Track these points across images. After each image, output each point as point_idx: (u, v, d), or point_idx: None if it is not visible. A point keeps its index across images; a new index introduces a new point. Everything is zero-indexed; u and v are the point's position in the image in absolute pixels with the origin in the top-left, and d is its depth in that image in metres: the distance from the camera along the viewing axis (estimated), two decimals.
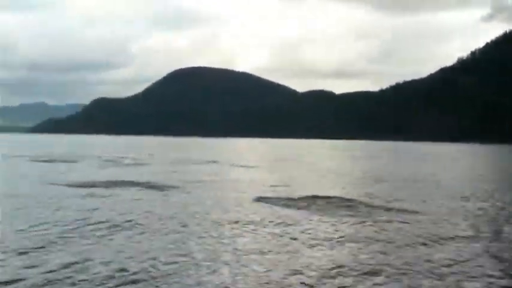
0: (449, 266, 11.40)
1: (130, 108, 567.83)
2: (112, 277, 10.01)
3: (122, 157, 59.77)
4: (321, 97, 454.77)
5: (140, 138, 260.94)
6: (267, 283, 10.00)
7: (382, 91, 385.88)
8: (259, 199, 22.18)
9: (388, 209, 19.81)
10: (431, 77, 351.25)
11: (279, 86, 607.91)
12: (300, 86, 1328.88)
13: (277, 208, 19.77)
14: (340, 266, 11.16)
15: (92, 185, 26.71)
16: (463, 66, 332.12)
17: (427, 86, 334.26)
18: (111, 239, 13.51)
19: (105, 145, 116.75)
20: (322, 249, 12.81)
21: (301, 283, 10.10)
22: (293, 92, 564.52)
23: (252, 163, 53.87)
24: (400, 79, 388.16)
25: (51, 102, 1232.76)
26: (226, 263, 11.27)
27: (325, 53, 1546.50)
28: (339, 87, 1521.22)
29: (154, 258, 11.40)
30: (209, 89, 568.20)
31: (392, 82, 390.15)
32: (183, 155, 73.45)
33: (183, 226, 15.54)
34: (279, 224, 16.20)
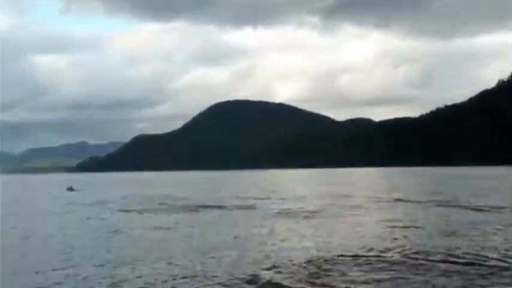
0: None
1: (170, 144, 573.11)
2: None
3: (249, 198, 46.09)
4: (360, 125, 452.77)
5: (189, 173, 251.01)
6: None
7: (422, 116, 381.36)
8: None
9: None
10: (472, 101, 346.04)
11: (317, 115, 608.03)
12: (339, 115, 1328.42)
13: None
14: None
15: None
16: (503, 89, 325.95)
17: (468, 110, 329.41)
18: None
19: (183, 184, 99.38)
20: None
21: None
22: (332, 121, 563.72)
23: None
24: (441, 104, 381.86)
25: (92, 141, 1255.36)
26: None
27: (363, 81, 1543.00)
28: (378, 114, 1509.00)
29: None
30: (248, 121, 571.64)
31: (433, 107, 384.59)
32: (302, 190, 61.96)
33: None
34: None
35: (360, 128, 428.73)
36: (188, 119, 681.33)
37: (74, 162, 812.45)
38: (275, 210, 33.27)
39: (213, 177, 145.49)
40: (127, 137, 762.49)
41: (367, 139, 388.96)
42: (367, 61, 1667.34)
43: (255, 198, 45.17)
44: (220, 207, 37.04)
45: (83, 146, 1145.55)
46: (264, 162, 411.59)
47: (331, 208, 34.27)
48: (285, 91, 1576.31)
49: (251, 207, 36.22)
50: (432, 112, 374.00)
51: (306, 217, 28.95)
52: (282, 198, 44.95)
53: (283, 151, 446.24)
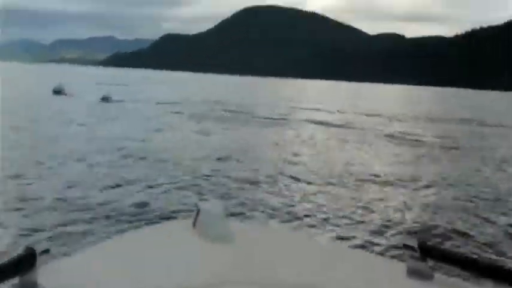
0: None
1: (196, 45, 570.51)
2: None
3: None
4: (392, 40, 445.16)
5: (220, 77, 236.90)
6: None
7: (456, 36, 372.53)
8: None
9: None
10: (508, 24, 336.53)
11: (348, 27, 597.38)
12: (371, 28, 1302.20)
13: None
14: None
15: None
16: None
17: (504, 33, 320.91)
18: None
19: (226, 89, 70.57)
20: None
21: None
22: (363, 35, 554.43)
23: None
24: (477, 26, 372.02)
25: (119, 36, 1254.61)
26: None
27: None
28: (412, 31, 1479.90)
29: None
30: (278, 28, 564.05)
31: (468, 28, 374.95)
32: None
33: None
34: None
35: (391, 44, 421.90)
36: (217, 22, 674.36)
37: (102, 55, 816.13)
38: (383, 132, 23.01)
39: (250, 83, 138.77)
40: (154, 35, 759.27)
41: (397, 56, 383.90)
42: None
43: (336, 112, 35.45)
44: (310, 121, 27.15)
45: (110, 40, 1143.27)
46: (290, 71, 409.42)
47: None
48: None
49: (352, 127, 25.23)
50: (467, 33, 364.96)
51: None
52: (376, 115, 34.19)
53: (311, 62, 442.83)
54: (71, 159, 11.84)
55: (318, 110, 37.70)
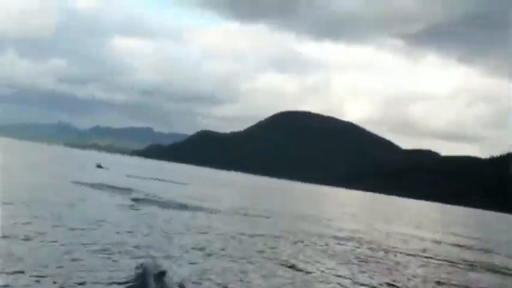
0: None
1: (232, 144, 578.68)
2: None
3: None
4: (425, 157, 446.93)
5: (252, 177, 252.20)
6: None
7: (492, 158, 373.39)
8: None
9: None
10: None
11: (383, 139, 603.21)
12: (404, 143, 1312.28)
13: None
14: None
15: None
16: None
17: None
18: None
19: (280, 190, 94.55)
20: None
21: None
22: (396, 148, 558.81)
23: None
24: None
25: (157, 128, 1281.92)
26: None
27: (436, 113, 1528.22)
28: (446, 149, 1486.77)
29: None
30: (312, 134, 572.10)
31: (505, 151, 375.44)
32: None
33: None
34: None
35: (425, 160, 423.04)
36: (254, 123, 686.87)
37: (136, 145, 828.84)
38: None
39: (297, 190, 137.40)
40: (190, 130, 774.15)
41: (430, 172, 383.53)
42: (443, 93, 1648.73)
43: None
44: None
45: (147, 131, 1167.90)
46: (325, 179, 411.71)
47: None
48: (355, 109, 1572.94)
49: None
50: (503, 156, 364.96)
51: None
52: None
53: (344, 170, 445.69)
54: None
55: (412, 236, 32.94)
